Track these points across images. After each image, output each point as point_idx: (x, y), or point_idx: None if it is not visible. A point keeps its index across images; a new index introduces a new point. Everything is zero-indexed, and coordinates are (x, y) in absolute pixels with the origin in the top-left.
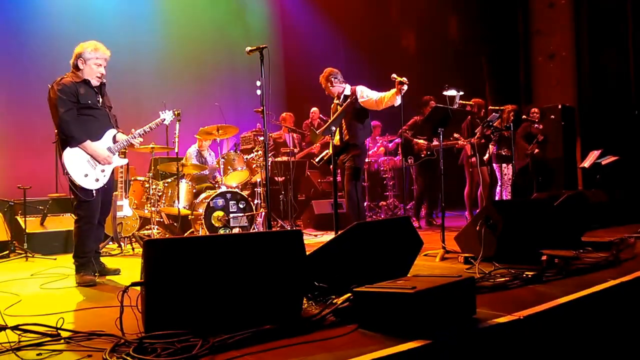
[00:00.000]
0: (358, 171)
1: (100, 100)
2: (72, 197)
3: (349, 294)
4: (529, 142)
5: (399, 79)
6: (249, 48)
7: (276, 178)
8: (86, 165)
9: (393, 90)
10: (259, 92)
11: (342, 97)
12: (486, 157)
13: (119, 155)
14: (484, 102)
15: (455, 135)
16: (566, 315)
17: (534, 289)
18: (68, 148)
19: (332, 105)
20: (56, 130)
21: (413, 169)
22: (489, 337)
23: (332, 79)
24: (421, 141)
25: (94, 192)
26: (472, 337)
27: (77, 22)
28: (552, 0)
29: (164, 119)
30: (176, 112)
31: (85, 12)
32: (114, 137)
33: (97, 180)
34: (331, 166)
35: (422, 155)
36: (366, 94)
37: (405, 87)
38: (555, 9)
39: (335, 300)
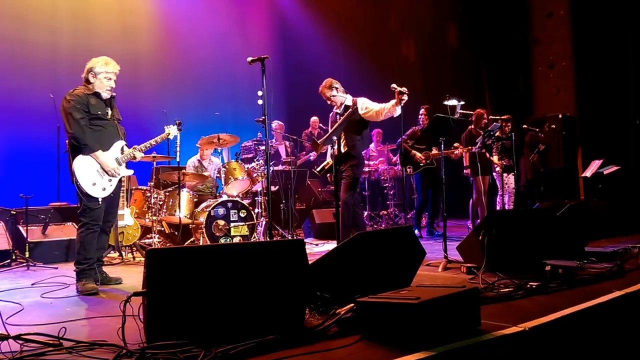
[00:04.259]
0: (355, 181)
1: (110, 112)
2: (79, 203)
3: (352, 304)
4: (533, 152)
5: (399, 89)
6: (250, 58)
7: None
8: (95, 174)
9: (393, 101)
10: (260, 101)
11: (342, 107)
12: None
13: (125, 166)
14: (485, 112)
15: (455, 144)
16: (572, 327)
17: (538, 299)
18: (79, 156)
19: (331, 114)
20: (67, 141)
21: (413, 178)
22: (494, 348)
23: (336, 86)
24: (418, 154)
25: (99, 200)
26: (477, 348)
27: (78, 33)
28: (551, 10)
29: (169, 133)
30: (177, 122)
31: (86, 23)
32: (122, 148)
33: (103, 189)
34: (329, 175)
35: (422, 165)
36: (367, 106)
37: (406, 97)
38: (554, 18)
39: (338, 311)
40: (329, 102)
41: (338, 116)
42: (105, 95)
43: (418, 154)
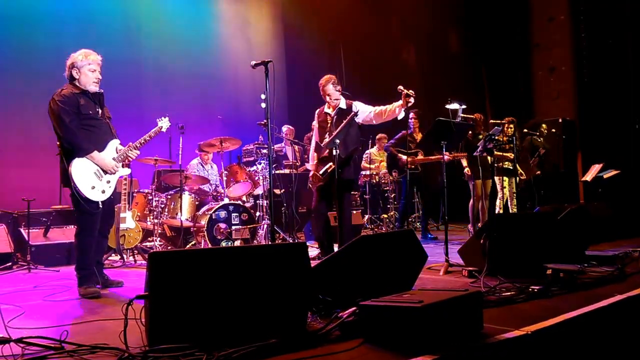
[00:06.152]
0: (348, 184)
1: (100, 111)
2: (74, 209)
3: (354, 308)
4: (532, 156)
5: (406, 91)
6: (254, 62)
7: (275, 190)
8: (93, 177)
9: (397, 103)
10: (263, 105)
11: (336, 109)
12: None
13: (122, 165)
14: (482, 117)
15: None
16: (574, 330)
17: (540, 303)
18: (76, 159)
19: (318, 112)
20: (58, 143)
21: (400, 182)
22: (497, 352)
23: (338, 86)
24: (404, 157)
25: (100, 204)
26: (480, 352)
27: (80, 35)
28: (552, 14)
29: (161, 127)
30: (180, 126)
31: (88, 25)
32: (116, 147)
33: (103, 192)
34: (312, 181)
35: (406, 169)
36: (363, 110)
37: (412, 100)
38: (555, 23)
39: (340, 314)
40: (325, 98)
41: (329, 116)
42: (94, 88)
43: (404, 158)
